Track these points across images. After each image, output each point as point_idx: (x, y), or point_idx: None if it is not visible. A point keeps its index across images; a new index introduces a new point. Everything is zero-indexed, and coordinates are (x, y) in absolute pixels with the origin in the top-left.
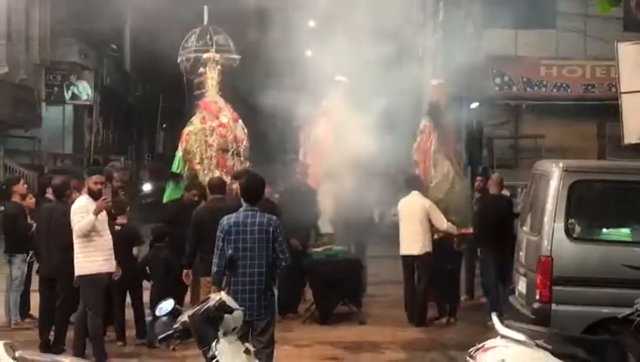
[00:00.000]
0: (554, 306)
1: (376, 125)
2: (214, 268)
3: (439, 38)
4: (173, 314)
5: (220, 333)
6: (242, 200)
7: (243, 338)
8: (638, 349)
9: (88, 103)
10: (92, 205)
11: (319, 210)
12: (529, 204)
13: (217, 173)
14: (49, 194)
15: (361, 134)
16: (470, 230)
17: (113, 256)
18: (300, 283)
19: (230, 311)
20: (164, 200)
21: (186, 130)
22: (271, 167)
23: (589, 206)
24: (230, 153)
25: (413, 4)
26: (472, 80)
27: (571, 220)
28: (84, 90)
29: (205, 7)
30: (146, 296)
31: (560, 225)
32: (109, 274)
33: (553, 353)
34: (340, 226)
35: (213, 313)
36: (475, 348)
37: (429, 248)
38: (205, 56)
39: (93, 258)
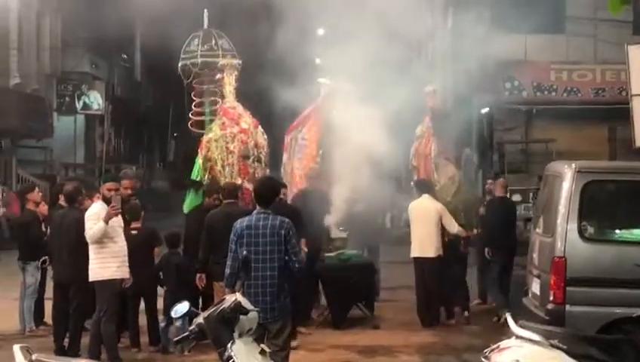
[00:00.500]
0: (568, 307)
1: (383, 128)
2: (228, 271)
3: (449, 44)
4: (189, 316)
5: (236, 334)
6: (256, 203)
7: (258, 341)
8: None
9: (99, 113)
10: (105, 212)
11: (329, 215)
12: (542, 206)
13: (239, 180)
14: (61, 201)
15: (369, 137)
16: (475, 232)
17: (127, 263)
18: (313, 288)
19: (245, 312)
20: (185, 209)
21: (206, 137)
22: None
23: (601, 206)
24: (251, 160)
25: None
26: (483, 85)
27: (584, 221)
28: (96, 99)
29: (205, 11)
30: (160, 303)
31: (573, 226)
32: (121, 281)
33: (568, 352)
34: (351, 231)
35: (228, 314)
36: (489, 348)
37: (441, 251)
38: (223, 61)
39: (107, 264)
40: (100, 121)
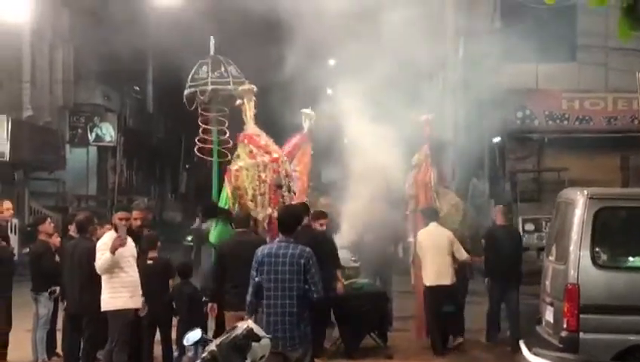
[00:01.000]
0: (581, 334)
1: (393, 156)
2: (248, 298)
3: (460, 73)
4: (201, 343)
5: (248, 361)
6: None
7: None
8: None
9: (112, 145)
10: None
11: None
12: (554, 233)
13: (269, 210)
14: (72, 231)
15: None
16: (480, 258)
17: (140, 293)
18: (326, 318)
19: (258, 339)
20: (213, 239)
21: (235, 165)
22: None
23: (614, 233)
24: (283, 189)
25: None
26: (494, 114)
27: (597, 248)
28: (108, 131)
29: (212, 38)
30: (173, 333)
31: (586, 253)
32: (136, 310)
33: None
34: (363, 260)
35: (240, 341)
36: None
37: (454, 278)
38: (242, 87)
39: (118, 294)
40: (112, 152)
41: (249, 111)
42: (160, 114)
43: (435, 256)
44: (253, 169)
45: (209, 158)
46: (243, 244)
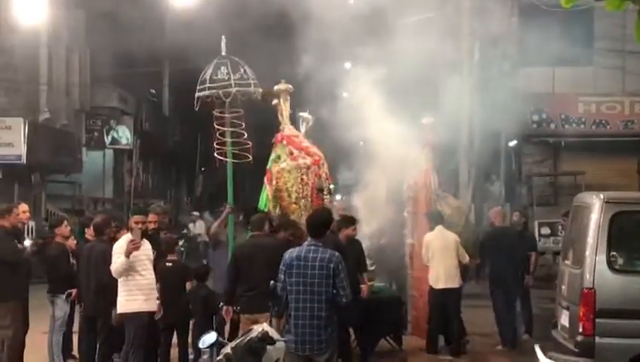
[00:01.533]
0: (597, 339)
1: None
2: (274, 302)
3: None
4: (216, 346)
5: None
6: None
7: None
8: None
9: (128, 148)
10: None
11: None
12: (570, 237)
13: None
14: (88, 235)
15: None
16: (475, 260)
17: (155, 296)
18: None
19: (272, 342)
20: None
21: (276, 167)
22: None
23: (630, 237)
24: (325, 192)
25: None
26: (510, 118)
27: (613, 252)
28: (124, 134)
29: (223, 37)
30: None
31: (602, 257)
32: (151, 314)
33: None
34: (378, 264)
35: (255, 344)
36: None
37: (462, 280)
38: (278, 87)
39: (134, 297)
40: (128, 155)
41: (285, 111)
42: (176, 117)
43: (444, 258)
44: (295, 171)
45: (233, 160)
46: (258, 247)
